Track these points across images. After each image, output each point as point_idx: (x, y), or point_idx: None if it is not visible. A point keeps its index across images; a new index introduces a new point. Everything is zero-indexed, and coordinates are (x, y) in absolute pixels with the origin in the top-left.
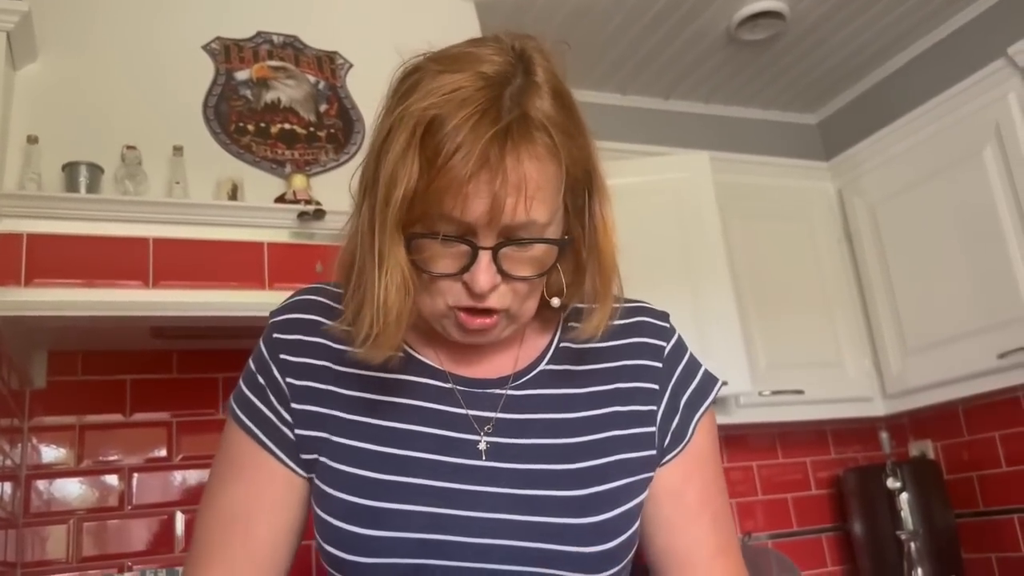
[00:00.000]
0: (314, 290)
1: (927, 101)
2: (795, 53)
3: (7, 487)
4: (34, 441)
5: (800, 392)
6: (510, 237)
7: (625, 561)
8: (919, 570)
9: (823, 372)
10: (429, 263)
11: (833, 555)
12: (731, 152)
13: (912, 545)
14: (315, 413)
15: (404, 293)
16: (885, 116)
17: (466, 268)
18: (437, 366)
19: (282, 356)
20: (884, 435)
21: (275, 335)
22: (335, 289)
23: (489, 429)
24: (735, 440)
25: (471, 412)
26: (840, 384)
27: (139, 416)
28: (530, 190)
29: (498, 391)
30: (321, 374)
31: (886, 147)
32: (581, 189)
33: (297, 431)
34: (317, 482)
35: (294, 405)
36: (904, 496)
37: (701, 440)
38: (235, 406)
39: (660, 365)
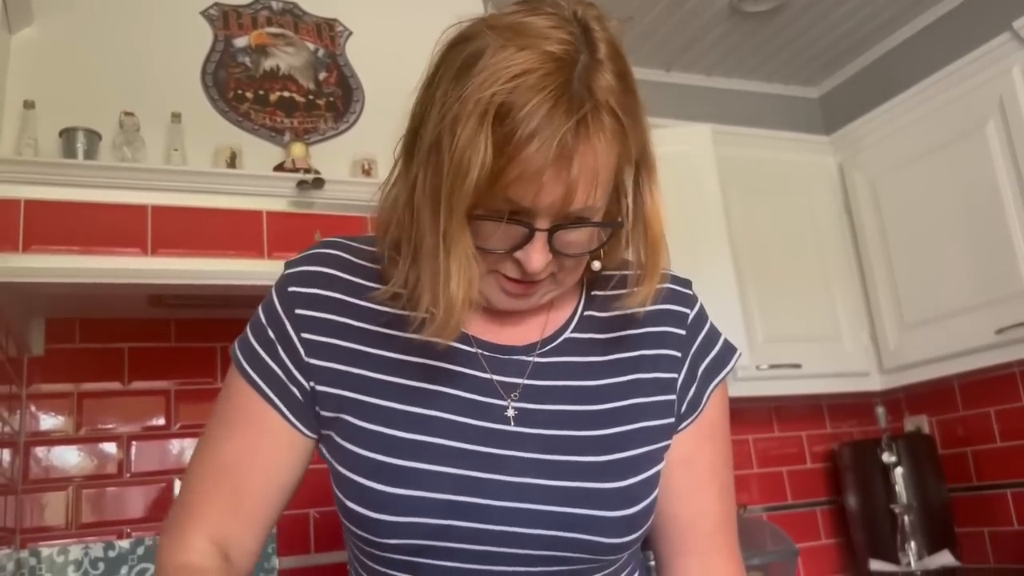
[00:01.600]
0: (334, 244)
1: (930, 75)
2: (797, 26)
3: (6, 454)
4: (32, 408)
5: (798, 366)
6: (566, 219)
7: (645, 528)
8: (912, 543)
9: (821, 346)
10: (483, 241)
11: (827, 528)
12: (732, 125)
13: (906, 518)
14: (335, 370)
15: (470, 280)
16: (887, 90)
17: (519, 247)
18: (462, 329)
19: (298, 311)
20: (880, 410)
21: (291, 288)
22: (358, 245)
23: (516, 395)
24: (731, 414)
25: (495, 377)
26: (837, 358)
27: (137, 384)
28: (600, 179)
29: (525, 358)
30: (340, 330)
31: (888, 121)
32: (632, 164)
33: (316, 387)
34: (339, 440)
35: (310, 360)
36: (899, 470)
37: (714, 410)
38: (240, 356)
39: (683, 332)
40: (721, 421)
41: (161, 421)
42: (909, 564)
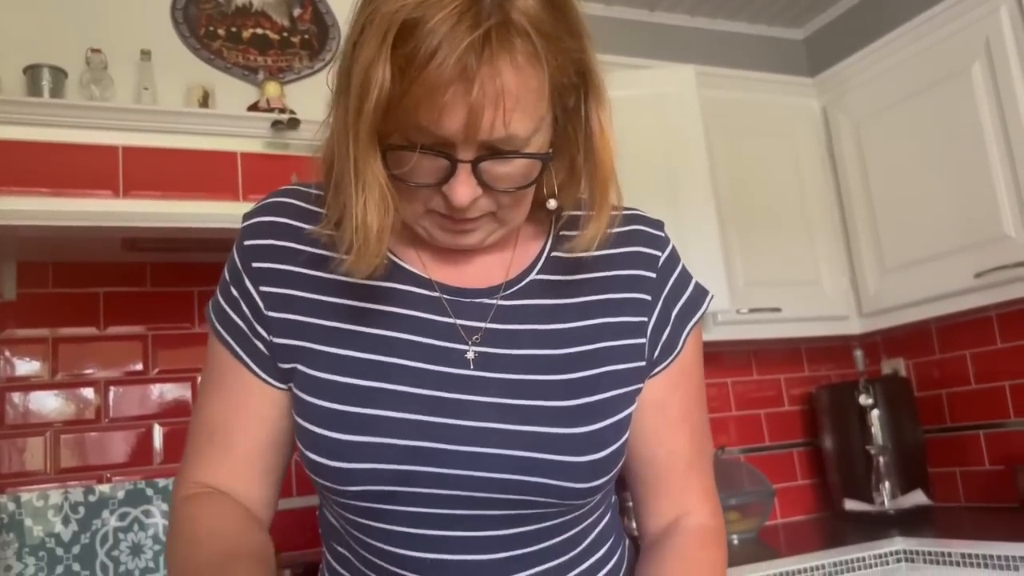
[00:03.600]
0: (289, 192)
1: (917, 16)
2: None
3: None
4: (7, 354)
5: (777, 310)
6: (490, 150)
7: (612, 473)
8: (886, 483)
9: (801, 290)
10: (407, 174)
11: (803, 469)
12: (716, 66)
13: (880, 459)
14: (292, 321)
15: (384, 209)
16: (873, 31)
17: (444, 180)
18: (422, 273)
19: (255, 264)
20: (858, 353)
21: (247, 242)
22: (314, 191)
23: (477, 339)
24: (711, 357)
25: (459, 321)
26: (817, 302)
27: (114, 329)
28: (509, 103)
29: (488, 301)
30: (297, 280)
31: (873, 63)
32: (573, 92)
33: (275, 339)
34: (295, 390)
35: (269, 313)
36: (875, 412)
37: (688, 353)
38: (213, 316)
39: (654, 275)
40: (694, 364)
41: (139, 366)
42: (883, 503)
